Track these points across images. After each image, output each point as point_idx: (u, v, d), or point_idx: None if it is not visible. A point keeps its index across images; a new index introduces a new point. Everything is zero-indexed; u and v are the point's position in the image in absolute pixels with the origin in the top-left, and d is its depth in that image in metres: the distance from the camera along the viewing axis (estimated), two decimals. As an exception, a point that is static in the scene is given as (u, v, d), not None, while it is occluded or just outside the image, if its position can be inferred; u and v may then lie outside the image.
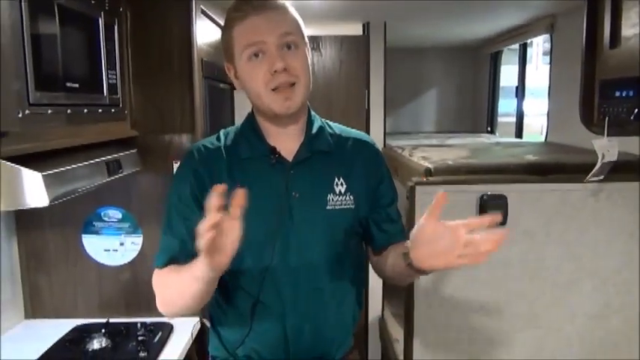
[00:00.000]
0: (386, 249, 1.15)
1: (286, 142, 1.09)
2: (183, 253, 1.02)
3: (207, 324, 1.82)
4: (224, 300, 1.12)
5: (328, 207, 1.07)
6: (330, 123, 1.19)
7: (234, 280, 1.07)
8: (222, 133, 1.14)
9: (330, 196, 1.07)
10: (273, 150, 1.07)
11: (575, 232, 1.76)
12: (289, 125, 1.09)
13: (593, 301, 1.80)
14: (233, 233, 0.84)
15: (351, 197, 1.09)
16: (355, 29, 3.04)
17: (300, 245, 1.05)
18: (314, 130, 1.11)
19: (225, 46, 1.08)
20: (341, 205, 1.08)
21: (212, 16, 2.21)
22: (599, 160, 1.58)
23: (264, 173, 1.07)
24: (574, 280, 1.79)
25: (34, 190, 1.06)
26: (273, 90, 1.01)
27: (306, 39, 1.08)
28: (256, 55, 1.01)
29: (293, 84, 1.02)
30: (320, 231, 1.07)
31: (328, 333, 1.11)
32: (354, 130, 1.21)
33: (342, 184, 1.09)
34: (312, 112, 1.16)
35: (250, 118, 1.13)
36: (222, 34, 1.08)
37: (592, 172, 1.63)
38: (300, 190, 1.06)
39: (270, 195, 1.05)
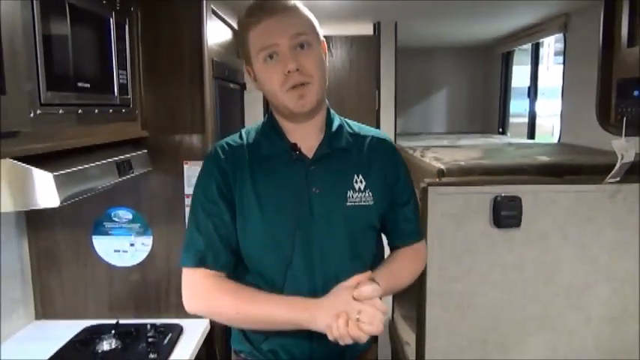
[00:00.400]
0: (400, 247, 1.20)
1: (306, 139, 1.11)
2: (210, 252, 1.07)
3: None
4: None
5: (348, 203, 1.09)
6: (349, 121, 1.21)
7: (259, 275, 1.10)
8: (243, 131, 1.17)
9: (350, 193, 1.10)
10: (293, 146, 1.09)
11: (592, 234, 1.73)
12: (307, 122, 1.11)
13: (609, 305, 1.77)
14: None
15: (370, 194, 1.11)
16: (366, 29, 3.02)
17: (321, 240, 1.08)
18: (333, 128, 1.14)
19: (242, 50, 1.11)
20: (360, 201, 1.10)
21: (223, 16, 2.20)
22: (619, 160, 1.55)
23: (285, 169, 1.09)
24: (590, 283, 1.76)
25: (45, 190, 1.06)
26: (287, 90, 1.04)
27: (321, 37, 1.11)
28: (270, 56, 1.04)
29: (307, 83, 1.04)
30: (339, 226, 1.09)
31: None
32: (372, 128, 1.23)
33: (361, 181, 1.11)
34: (332, 111, 1.18)
35: (270, 117, 1.15)
36: (239, 39, 1.11)
37: (611, 173, 1.60)
38: (320, 186, 1.08)
39: (291, 191, 1.08)
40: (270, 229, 1.06)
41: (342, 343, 0.95)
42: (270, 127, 1.14)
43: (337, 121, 1.17)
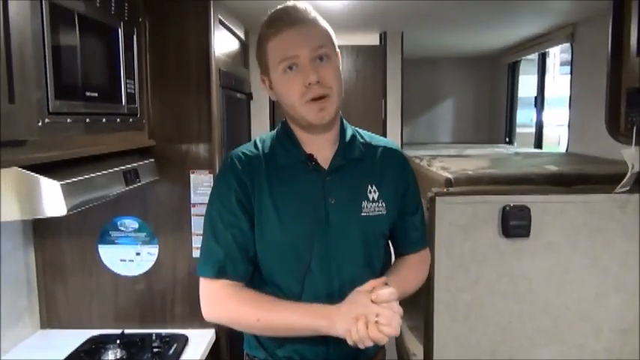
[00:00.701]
0: (408, 254, 1.23)
1: (321, 149, 1.13)
2: (230, 264, 1.08)
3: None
4: None
5: (363, 213, 1.12)
6: (360, 131, 1.23)
7: (277, 283, 1.11)
8: (257, 140, 1.18)
9: (365, 203, 1.12)
10: (310, 157, 1.11)
11: (602, 244, 1.70)
12: (323, 133, 1.13)
13: (620, 316, 1.74)
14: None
15: (383, 204, 1.14)
16: (372, 39, 3.03)
17: (337, 248, 1.10)
18: (347, 139, 1.15)
19: (259, 59, 1.12)
20: (374, 211, 1.13)
21: (230, 26, 2.22)
22: (629, 170, 1.54)
23: (302, 180, 1.11)
24: (600, 295, 1.73)
25: (52, 199, 1.06)
26: (307, 102, 1.05)
27: (337, 48, 1.12)
28: (290, 67, 1.05)
29: (327, 95, 1.05)
30: (355, 235, 1.11)
31: None
32: (382, 137, 1.25)
33: (374, 192, 1.13)
34: (344, 120, 1.19)
35: (285, 127, 1.16)
36: (257, 49, 1.12)
37: (622, 182, 1.58)
38: (336, 196, 1.10)
39: (308, 201, 1.10)
40: (289, 238, 1.08)
41: (361, 346, 0.96)
42: (286, 137, 1.14)
43: (350, 130, 1.18)
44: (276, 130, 1.18)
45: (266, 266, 1.12)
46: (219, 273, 1.08)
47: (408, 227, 1.21)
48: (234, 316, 1.08)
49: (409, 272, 1.20)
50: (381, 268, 1.18)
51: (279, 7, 1.09)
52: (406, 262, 1.22)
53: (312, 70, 1.03)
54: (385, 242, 1.21)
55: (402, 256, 1.23)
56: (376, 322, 0.95)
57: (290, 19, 1.05)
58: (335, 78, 1.07)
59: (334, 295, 1.07)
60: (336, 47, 1.12)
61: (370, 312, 0.96)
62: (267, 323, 1.05)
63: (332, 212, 1.09)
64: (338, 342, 1.02)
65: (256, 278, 1.13)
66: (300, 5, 1.08)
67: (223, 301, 1.08)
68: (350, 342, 0.97)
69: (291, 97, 1.06)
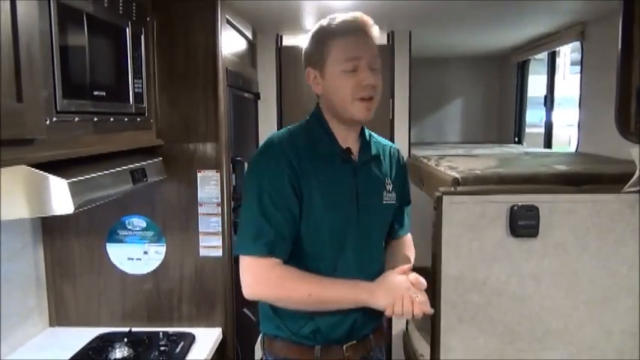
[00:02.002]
0: (400, 237, 1.42)
1: (350, 143, 1.27)
2: (280, 243, 1.16)
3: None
4: None
5: (384, 201, 1.29)
6: (369, 131, 1.37)
7: (315, 259, 1.21)
8: (288, 131, 1.26)
9: (385, 193, 1.30)
10: (347, 150, 1.25)
11: (612, 245, 1.68)
12: (355, 129, 1.28)
13: (630, 318, 1.71)
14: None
15: (394, 195, 1.32)
16: (380, 38, 3.01)
17: (366, 231, 1.26)
18: (367, 137, 1.32)
19: (314, 53, 1.22)
20: (389, 200, 1.31)
21: (237, 26, 2.22)
22: (638, 169, 1.52)
23: (339, 169, 1.24)
24: (610, 296, 1.71)
25: (59, 197, 1.07)
26: (357, 99, 1.18)
27: None
28: (351, 68, 1.17)
29: (373, 98, 1.20)
30: (377, 220, 1.30)
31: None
32: (382, 138, 1.42)
33: (389, 184, 1.31)
34: None
35: (321, 120, 1.26)
36: (314, 43, 1.23)
37: (630, 182, 1.56)
38: (364, 185, 1.25)
39: (344, 188, 1.23)
40: (330, 221, 1.20)
41: (401, 318, 1.17)
42: (322, 129, 1.26)
43: (366, 130, 1.33)
44: (305, 122, 1.28)
45: (308, 245, 1.21)
46: (270, 252, 1.15)
47: (405, 215, 1.43)
48: (286, 293, 1.17)
49: (411, 253, 1.41)
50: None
51: (349, 13, 1.22)
52: (404, 244, 1.41)
53: (370, 73, 1.18)
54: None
55: (394, 238, 1.42)
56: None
57: (361, 25, 1.20)
58: (380, 87, 1.22)
59: (362, 269, 1.22)
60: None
61: (413, 292, 1.15)
62: (318, 297, 1.17)
63: (361, 199, 1.24)
64: (362, 320, 1.23)
65: (296, 255, 1.21)
66: (366, 16, 1.22)
67: (276, 279, 1.16)
68: (388, 313, 1.15)
69: (343, 94, 1.18)
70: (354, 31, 1.19)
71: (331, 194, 1.20)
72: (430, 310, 1.16)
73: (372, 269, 1.25)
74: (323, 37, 1.21)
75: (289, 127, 1.28)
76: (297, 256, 1.20)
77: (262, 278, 1.16)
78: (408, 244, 1.43)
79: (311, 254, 1.21)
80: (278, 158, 1.17)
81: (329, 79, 1.20)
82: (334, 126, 1.25)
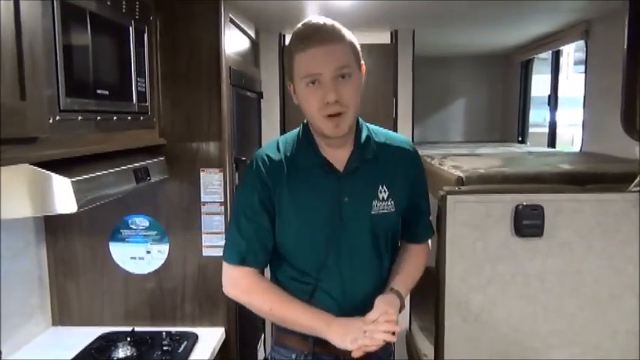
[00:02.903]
0: (409, 243, 1.35)
1: (337, 153, 1.22)
2: (251, 254, 1.21)
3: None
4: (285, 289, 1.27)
5: (373, 212, 1.22)
6: (376, 129, 1.30)
7: (298, 269, 1.23)
8: (280, 142, 1.26)
9: (375, 202, 1.22)
10: (327, 162, 1.21)
11: (617, 244, 1.67)
12: (339, 141, 1.21)
13: (636, 318, 1.70)
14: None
15: (393, 202, 1.23)
16: (383, 37, 3.01)
17: (349, 242, 1.21)
18: (362, 140, 1.24)
19: (287, 67, 1.21)
20: (383, 209, 1.22)
21: (241, 24, 2.22)
22: (644, 168, 1.51)
23: (319, 181, 1.21)
24: (616, 296, 1.70)
25: (62, 196, 1.06)
26: (324, 117, 1.14)
27: (361, 60, 1.19)
28: (312, 82, 1.13)
29: (342, 113, 1.13)
30: (365, 231, 1.22)
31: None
32: (397, 135, 1.34)
33: (384, 191, 1.22)
34: (360, 120, 1.27)
35: (306, 130, 1.25)
36: (286, 57, 1.20)
37: (635, 181, 1.55)
38: (349, 196, 1.20)
39: (324, 200, 1.20)
40: (307, 233, 1.21)
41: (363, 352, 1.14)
42: (306, 140, 1.24)
43: (365, 131, 1.25)
44: (298, 130, 1.27)
45: (288, 256, 1.24)
46: (241, 261, 1.21)
47: (420, 221, 1.34)
48: (252, 302, 1.22)
49: (412, 265, 1.32)
50: (391, 256, 1.31)
51: (311, 21, 1.15)
52: (411, 254, 1.33)
53: (332, 88, 1.11)
54: (396, 235, 1.32)
55: (407, 243, 1.35)
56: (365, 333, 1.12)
57: (319, 37, 1.11)
58: (353, 96, 1.14)
59: (346, 282, 1.22)
60: (361, 61, 1.19)
61: (370, 331, 1.12)
62: (278, 314, 1.20)
63: (345, 210, 1.19)
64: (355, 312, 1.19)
65: (278, 267, 1.26)
66: (330, 23, 1.14)
67: (245, 286, 1.22)
68: (353, 353, 1.13)
69: (310, 109, 1.15)
70: (314, 43, 1.10)
71: (308, 206, 1.19)
72: (393, 339, 1.14)
73: (361, 285, 1.22)
74: (289, 49, 1.17)
75: (286, 134, 1.29)
76: (285, 270, 1.25)
77: (232, 283, 1.24)
78: (414, 254, 1.34)
79: (293, 264, 1.24)
80: (253, 176, 1.21)
81: (298, 93, 1.17)
82: (317, 138, 1.23)
